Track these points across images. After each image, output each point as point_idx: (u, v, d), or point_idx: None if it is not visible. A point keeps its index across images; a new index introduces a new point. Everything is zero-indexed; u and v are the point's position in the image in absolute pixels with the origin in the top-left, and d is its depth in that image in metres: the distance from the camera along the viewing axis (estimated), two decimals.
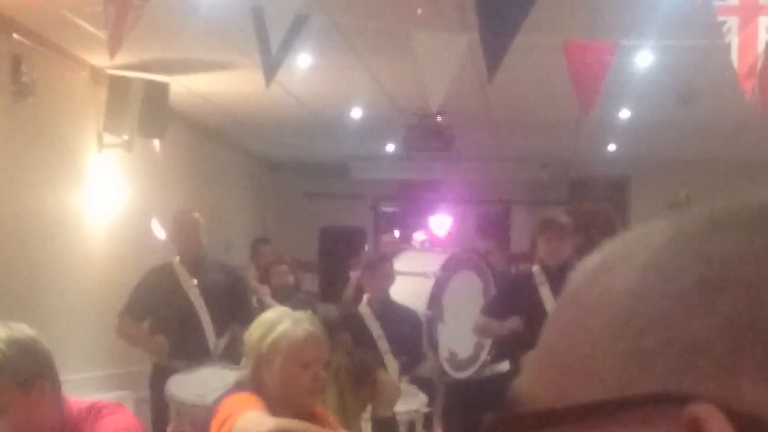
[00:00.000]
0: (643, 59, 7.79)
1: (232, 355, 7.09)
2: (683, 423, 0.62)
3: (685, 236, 0.69)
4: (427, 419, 7.09)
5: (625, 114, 10.43)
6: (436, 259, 9.83)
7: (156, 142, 9.00)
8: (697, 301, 0.64)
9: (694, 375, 0.63)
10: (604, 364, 0.66)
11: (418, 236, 11.58)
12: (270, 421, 3.57)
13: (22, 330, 3.45)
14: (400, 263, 9.37)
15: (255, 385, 3.93)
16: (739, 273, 0.65)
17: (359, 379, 5.26)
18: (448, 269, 9.58)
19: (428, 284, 9.34)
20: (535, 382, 0.72)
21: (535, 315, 7.28)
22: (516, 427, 0.72)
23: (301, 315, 4.04)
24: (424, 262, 9.74)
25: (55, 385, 3.53)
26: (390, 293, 7.73)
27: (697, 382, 0.63)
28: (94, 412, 3.61)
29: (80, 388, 4.28)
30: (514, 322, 7.10)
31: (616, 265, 0.70)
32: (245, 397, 3.79)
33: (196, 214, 7.51)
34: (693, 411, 0.62)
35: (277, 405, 3.89)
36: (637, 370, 0.65)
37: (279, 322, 3.96)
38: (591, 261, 0.74)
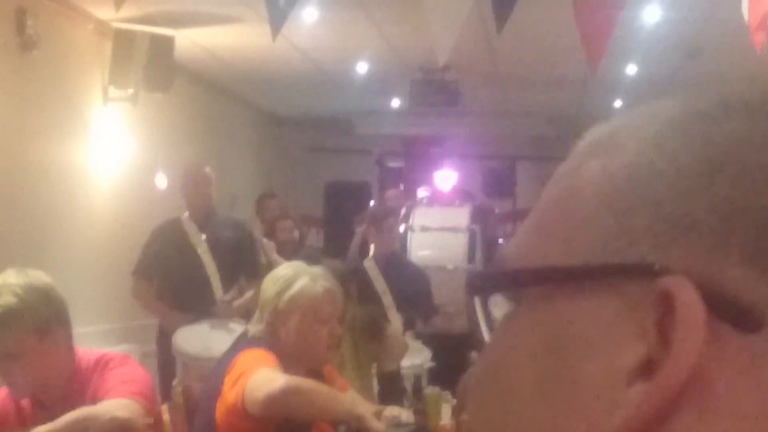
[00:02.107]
0: (651, 14, 7.75)
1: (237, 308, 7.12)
2: (655, 295, 0.61)
3: (692, 115, 0.68)
4: (432, 374, 7.09)
5: (632, 69, 10.38)
6: (459, 212, 9.85)
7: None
8: (693, 182, 0.63)
9: (677, 252, 0.62)
10: (588, 236, 0.65)
11: (422, 191, 11.56)
12: (282, 377, 3.58)
13: (39, 277, 3.51)
14: (427, 220, 9.40)
15: (269, 340, 3.93)
16: (741, 157, 0.63)
17: (369, 333, 5.28)
18: (476, 222, 9.60)
19: (461, 238, 9.35)
20: (518, 247, 0.71)
21: None
22: (491, 283, 0.73)
23: (318, 271, 4.06)
24: (449, 217, 9.76)
25: (68, 334, 3.58)
26: (397, 247, 7.73)
27: (678, 258, 0.62)
28: (102, 363, 3.63)
29: (86, 342, 4.28)
30: None
31: (620, 137, 0.69)
32: (259, 354, 3.80)
33: (208, 169, 7.49)
34: (665, 283, 0.61)
35: (291, 360, 3.90)
36: (622, 245, 0.64)
37: (296, 278, 3.97)
38: (599, 130, 0.73)
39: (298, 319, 3.91)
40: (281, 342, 3.92)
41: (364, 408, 3.93)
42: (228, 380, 3.73)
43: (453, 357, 7.83)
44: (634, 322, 0.62)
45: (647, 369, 0.61)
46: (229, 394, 3.67)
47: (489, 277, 0.73)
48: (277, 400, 3.51)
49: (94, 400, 3.46)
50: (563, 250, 0.67)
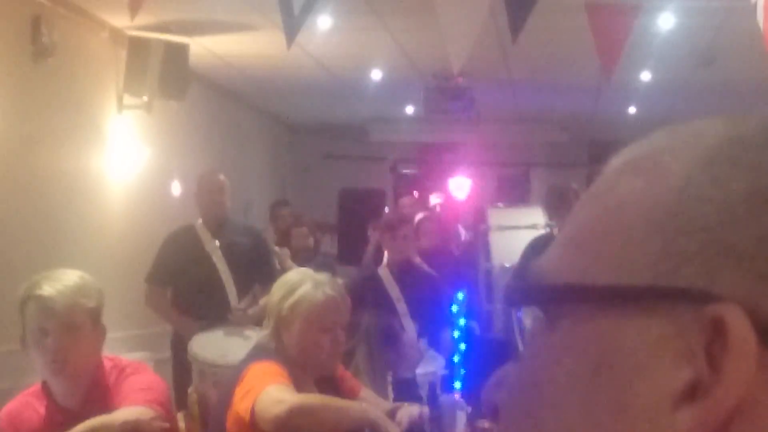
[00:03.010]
0: (666, 21, 7.74)
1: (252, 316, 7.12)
2: (706, 321, 0.62)
3: (740, 142, 0.68)
4: (446, 381, 7.09)
5: (646, 76, 10.36)
6: (532, 212, 9.96)
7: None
8: (743, 210, 0.64)
9: (727, 279, 0.63)
10: (633, 256, 0.66)
11: (434, 198, 11.57)
12: (289, 398, 3.52)
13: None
14: (502, 219, 9.52)
15: (275, 347, 3.92)
16: None
17: (384, 341, 5.27)
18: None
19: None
20: (558, 261, 0.71)
21: None
22: (529, 297, 0.73)
23: (323, 278, 4.00)
24: (523, 217, 9.86)
25: (104, 336, 3.70)
26: (412, 255, 7.73)
27: (728, 285, 0.62)
28: (118, 370, 3.67)
29: None
30: None
31: (663, 158, 0.70)
32: (268, 367, 3.75)
33: (222, 176, 7.50)
34: (717, 310, 0.62)
35: (296, 368, 3.89)
36: (670, 268, 0.64)
37: (300, 284, 3.94)
38: (636, 149, 0.73)
39: (299, 327, 3.88)
40: (286, 349, 3.91)
41: (377, 412, 3.91)
42: (238, 392, 3.70)
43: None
44: (681, 346, 0.63)
45: (693, 393, 0.62)
46: (239, 406, 3.65)
47: (527, 290, 0.73)
48: (286, 423, 3.48)
49: (111, 407, 3.49)
50: (605, 269, 0.67)
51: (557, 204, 7.46)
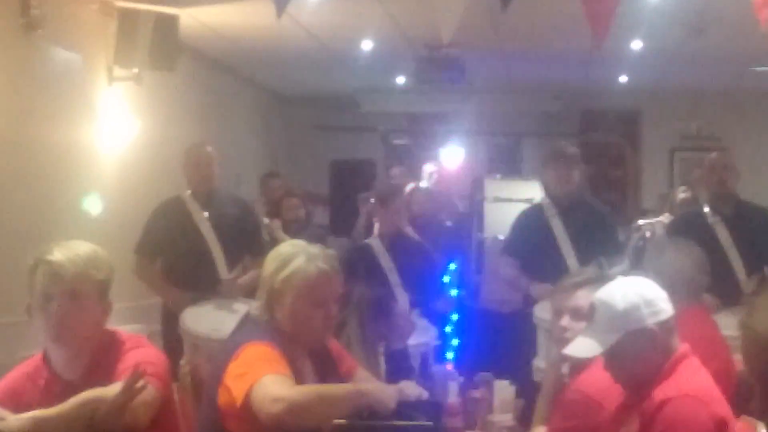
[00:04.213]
0: None
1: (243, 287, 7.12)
2: None
3: None
4: (438, 352, 7.11)
5: (637, 45, 10.34)
6: (527, 185, 9.96)
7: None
8: None
9: None
10: None
11: (428, 168, 11.56)
12: (287, 395, 3.48)
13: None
14: (499, 191, 9.53)
15: (267, 319, 3.92)
16: None
17: (376, 312, 5.26)
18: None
19: None
20: None
21: (547, 248, 7.30)
22: None
23: (316, 251, 3.98)
24: (520, 190, 9.86)
25: (110, 310, 3.73)
26: (403, 225, 7.74)
27: None
28: (117, 343, 3.68)
29: None
30: (541, 290, 7.05)
31: None
32: (264, 352, 3.73)
33: (209, 148, 7.50)
34: None
35: (289, 340, 3.89)
36: None
37: (293, 257, 3.93)
38: None
39: (291, 300, 3.88)
40: (277, 321, 3.90)
41: (369, 386, 3.90)
42: (231, 369, 3.69)
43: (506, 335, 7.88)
44: None
45: None
46: (233, 387, 3.63)
47: None
48: (284, 421, 3.47)
49: (110, 380, 3.49)
50: None
51: (553, 161, 7.46)
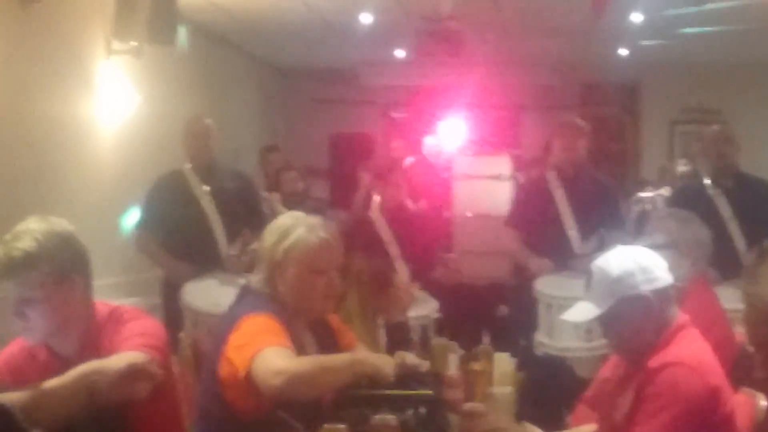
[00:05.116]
0: None
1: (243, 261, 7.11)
2: None
3: None
4: (438, 324, 7.11)
5: (636, 18, 10.30)
6: (497, 161, 9.94)
7: None
8: None
9: None
10: None
11: (429, 141, 11.55)
12: (288, 367, 3.48)
13: (61, 224, 3.57)
14: (466, 167, 9.50)
15: (269, 292, 3.92)
16: None
17: (375, 284, 5.26)
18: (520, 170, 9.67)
19: (503, 186, 9.40)
20: None
21: (549, 219, 7.30)
22: None
23: (315, 221, 4.00)
24: (487, 166, 9.84)
25: (87, 283, 3.60)
26: (403, 198, 7.73)
27: None
28: (116, 316, 3.66)
29: None
30: (543, 265, 7.08)
31: None
32: (265, 323, 3.74)
33: (208, 120, 7.49)
34: None
35: (290, 313, 3.89)
36: None
37: (293, 228, 3.93)
38: None
39: (293, 270, 3.88)
40: (280, 293, 3.90)
41: (366, 355, 3.92)
42: (232, 340, 3.70)
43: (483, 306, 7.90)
44: None
45: None
46: (235, 357, 3.63)
47: None
48: (286, 393, 3.48)
49: (109, 353, 3.48)
50: None
51: (561, 131, 7.48)
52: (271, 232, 3.99)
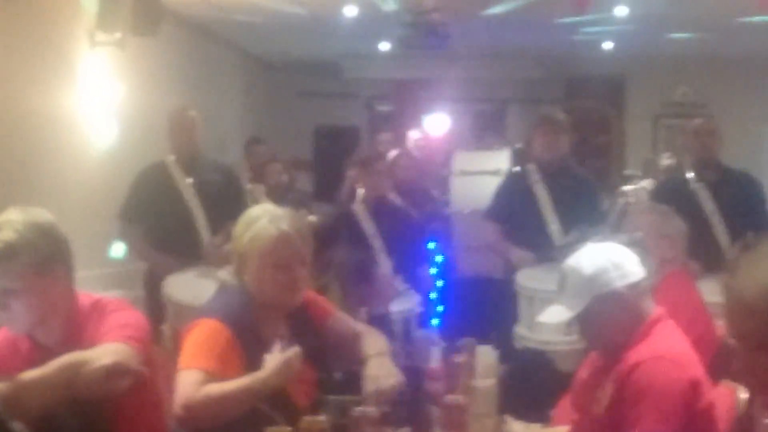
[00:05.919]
0: None
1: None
2: None
3: None
4: (421, 318, 7.11)
5: (621, 11, 10.31)
6: (495, 156, 9.92)
7: None
8: None
9: None
10: None
11: (413, 134, 11.54)
12: (187, 401, 3.53)
13: (41, 215, 3.55)
14: (466, 164, 9.48)
15: (239, 283, 3.94)
16: None
17: (358, 277, 5.26)
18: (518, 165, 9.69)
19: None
20: None
21: (530, 214, 7.31)
22: None
23: (282, 213, 3.97)
24: (485, 162, 9.83)
25: (69, 273, 3.59)
26: (387, 191, 7.72)
27: None
28: (100, 307, 3.65)
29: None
30: (524, 256, 7.09)
31: None
32: (205, 333, 3.76)
33: (193, 112, 7.47)
34: None
35: (258, 304, 3.90)
36: None
37: (257, 219, 3.92)
38: None
39: (256, 262, 3.87)
40: (247, 285, 3.91)
41: (277, 377, 3.66)
42: (183, 341, 3.78)
43: (489, 302, 7.90)
44: None
45: None
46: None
47: None
48: (182, 424, 3.56)
49: (92, 344, 3.47)
50: None
51: (542, 126, 7.47)
52: (240, 223, 3.99)
